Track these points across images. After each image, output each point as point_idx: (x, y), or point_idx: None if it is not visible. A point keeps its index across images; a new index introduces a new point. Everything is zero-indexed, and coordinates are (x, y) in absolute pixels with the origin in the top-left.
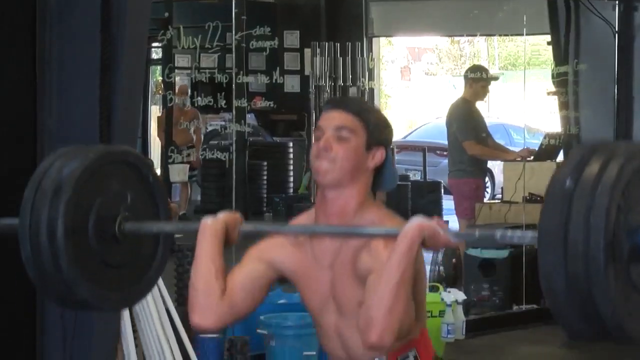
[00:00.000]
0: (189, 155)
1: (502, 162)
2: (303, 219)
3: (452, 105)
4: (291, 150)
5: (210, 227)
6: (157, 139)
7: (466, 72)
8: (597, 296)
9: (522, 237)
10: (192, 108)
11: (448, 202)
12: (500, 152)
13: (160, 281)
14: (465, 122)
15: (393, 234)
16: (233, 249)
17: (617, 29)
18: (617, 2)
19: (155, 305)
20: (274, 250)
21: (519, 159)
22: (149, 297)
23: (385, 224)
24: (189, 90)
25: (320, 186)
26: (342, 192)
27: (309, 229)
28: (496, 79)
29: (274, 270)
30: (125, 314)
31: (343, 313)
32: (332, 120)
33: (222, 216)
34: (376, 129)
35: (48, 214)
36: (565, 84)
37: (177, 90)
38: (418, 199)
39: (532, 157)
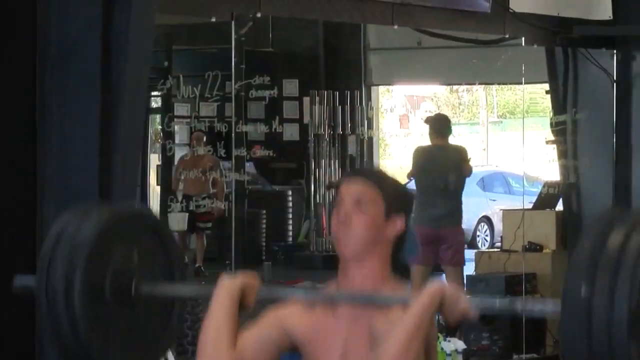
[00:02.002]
0: (201, 206)
1: (502, 211)
2: (326, 290)
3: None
4: (290, 198)
5: (227, 288)
6: (156, 187)
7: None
8: None
9: (543, 309)
10: (210, 156)
11: None
12: None
13: None
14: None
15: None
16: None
17: (615, 78)
18: (615, 51)
19: None
20: (289, 319)
21: None
22: None
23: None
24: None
25: (341, 258)
26: (363, 264)
27: (327, 297)
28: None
29: (287, 338)
30: None
31: None
32: (351, 191)
33: (240, 278)
34: (395, 198)
35: (65, 275)
36: (564, 133)
37: (192, 138)
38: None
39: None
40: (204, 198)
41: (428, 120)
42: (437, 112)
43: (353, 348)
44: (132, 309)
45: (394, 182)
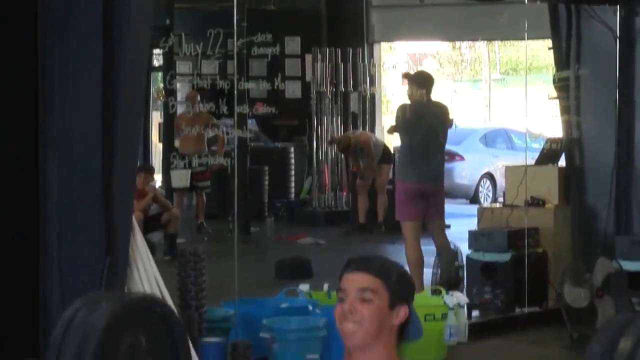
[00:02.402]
0: (200, 165)
1: (504, 166)
2: None
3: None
4: (292, 155)
5: None
6: (159, 144)
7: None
8: None
9: None
10: (203, 113)
11: (449, 206)
12: None
13: (163, 286)
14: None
15: None
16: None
17: (618, 34)
18: (618, 7)
19: None
20: None
21: None
22: None
23: None
24: (199, 97)
25: (347, 348)
26: (369, 353)
27: None
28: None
29: None
30: None
31: None
32: (355, 282)
33: None
34: (398, 288)
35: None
36: (567, 89)
37: (186, 97)
38: None
39: None
40: (200, 157)
41: (409, 76)
42: (420, 70)
43: None
44: None
45: (396, 270)
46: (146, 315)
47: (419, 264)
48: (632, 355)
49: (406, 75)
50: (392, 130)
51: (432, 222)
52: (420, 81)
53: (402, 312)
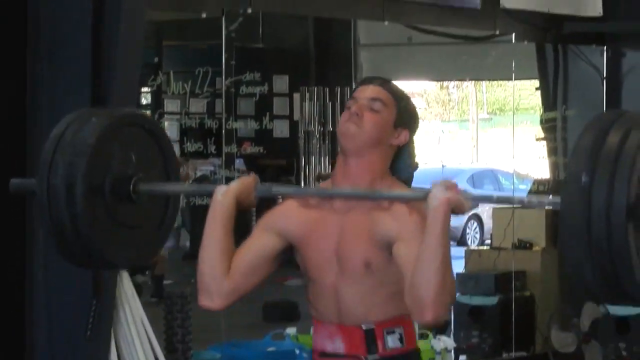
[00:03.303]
0: None
1: (491, 208)
2: (323, 186)
3: None
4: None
5: (220, 203)
6: None
7: None
8: (618, 258)
9: (543, 201)
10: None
11: None
12: None
13: (149, 329)
14: None
15: (417, 198)
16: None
17: (605, 75)
18: (605, 47)
19: (144, 353)
20: (280, 219)
21: None
22: (138, 344)
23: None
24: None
25: (342, 151)
26: (363, 160)
27: (326, 192)
28: None
29: (281, 238)
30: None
31: (344, 272)
32: (367, 92)
33: (234, 187)
34: (406, 111)
35: (67, 174)
36: (554, 130)
37: None
38: None
39: None
40: None
41: None
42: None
43: (349, 238)
44: (131, 207)
45: (408, 99)
46: (136, 131)
47: None
48: (621, 143)
49: None
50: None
51: None
52: None
53: (403, 135)
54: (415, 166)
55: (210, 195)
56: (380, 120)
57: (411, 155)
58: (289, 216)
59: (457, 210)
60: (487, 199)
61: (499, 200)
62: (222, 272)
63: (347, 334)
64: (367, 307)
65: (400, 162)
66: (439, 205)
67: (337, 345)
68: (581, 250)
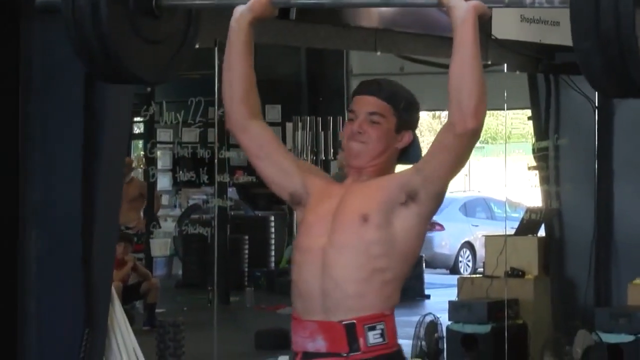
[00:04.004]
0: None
1: (484, 236)
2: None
3: None
4: (273, 224)
5: (233, 30)
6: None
7: None
8: (626, 48)
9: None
10: (134, 181)
11: (429, 276)
12: None
13: (141, 357)
14: None
15: (432, 4)
16: None
17: (597, 104)
18: None
19: None
20: (309, 174)
21: None
22: None
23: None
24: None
25: (350, 167)
26: (369, 168)
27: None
28: None
29: (298, 180)
30: None
31: (337, 229)
32: (365, 105)
33: (248, 7)
34: (405, 114)
35: None
36: (546, 159)
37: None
38: None
39: None
40: (127, 228)
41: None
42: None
43: (349, 198)
44: (155, 22)
45: (405, 97)
46: None
47: None
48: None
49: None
50: None
51: None
52: None
53: (406, 137)
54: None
55: (230, 15)
56: (382, 131)
57: (417, 148)
58: (314, 179)
59: (483, 16)
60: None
61: (509, 3)
62: (239, 96)
63: (328, 330)
64: (353, 287)
65: (407, 155)
66: (466, 13)
67: (318, 344)
68: (590, 42)
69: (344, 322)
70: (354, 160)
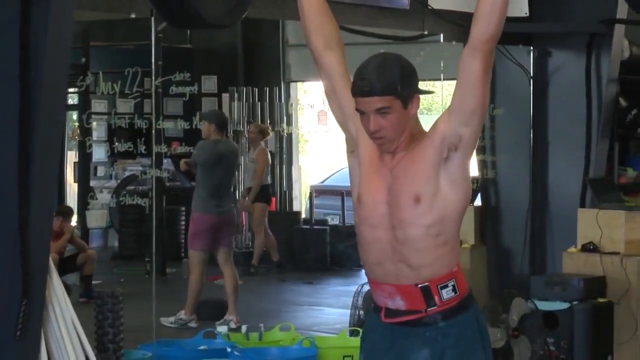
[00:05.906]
0: None
1: None
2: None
3: None
4: None
5: None
6: (74, 184)
7: None
8: None
9: None
10: None
11: None
12: None
13: (80, 328)
14: None
15: None
16: None
17: (532, 74)
18: (531, 47)
19: (74, 353)
20: (361, 129)
21: None
22: (68, 343)
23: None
24: (106, 136)
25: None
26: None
27: None
28: None
29: (352, 129)
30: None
31: (394, 216)
32: (368, 105)
33: None
34: (404, 90)
35: None
36: (482, 129)
37: None
38: (337, 243)
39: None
40: None
41: (207, 116)
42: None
43: (400, 173)
44: None
45: (399, 74)
46: None
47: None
48: None
49: (204, 115)
50: (188, 165)
51: (222, 250)
52: (218, 119)
53: (415, 102)
54: None
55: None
56: (394, 117)
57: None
58: (363, 136)
59: None
60: None
61: None
62: (311, 27)
63: (405, 292)
64: (421, 260)
65: None
66: None
67: (397, 303)
68: None
69: (419, 286)
70: (386, 149)
